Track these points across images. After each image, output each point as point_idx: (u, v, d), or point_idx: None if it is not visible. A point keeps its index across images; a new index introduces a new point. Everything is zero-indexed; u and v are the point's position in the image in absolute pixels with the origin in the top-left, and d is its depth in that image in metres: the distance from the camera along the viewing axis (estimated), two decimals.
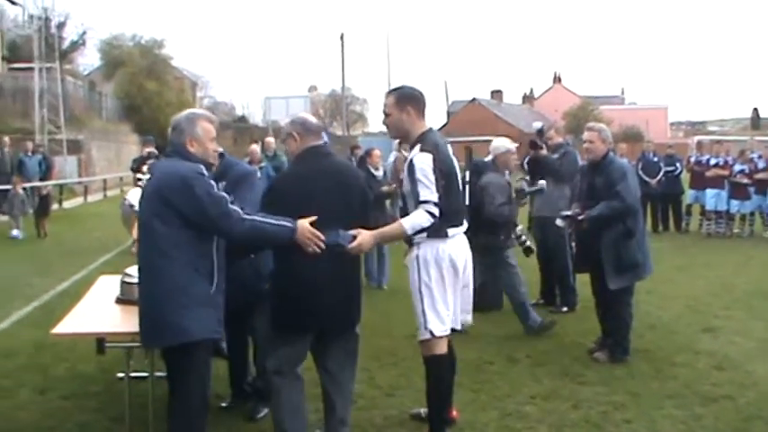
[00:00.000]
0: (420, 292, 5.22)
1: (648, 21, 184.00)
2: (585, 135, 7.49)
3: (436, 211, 4.97)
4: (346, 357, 5.26)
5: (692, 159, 18.64)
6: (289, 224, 4.53)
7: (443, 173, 5.09)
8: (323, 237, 4.59)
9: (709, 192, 17.53)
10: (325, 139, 5.37)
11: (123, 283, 5.78)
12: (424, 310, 5.22)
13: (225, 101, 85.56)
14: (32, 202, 19.97)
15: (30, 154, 22.38)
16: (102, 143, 38.84)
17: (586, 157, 7.64)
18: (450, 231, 5.18)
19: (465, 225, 5.39)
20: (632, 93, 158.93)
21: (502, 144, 8.84)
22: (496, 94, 77.67)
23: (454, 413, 5.73)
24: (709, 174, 17.56)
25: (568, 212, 7.59)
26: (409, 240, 5.21)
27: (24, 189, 20.53)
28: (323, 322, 4.98)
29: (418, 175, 5.00)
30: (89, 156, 36.00)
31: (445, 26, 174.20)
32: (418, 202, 5.00)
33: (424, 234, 5.10)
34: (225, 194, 4.45)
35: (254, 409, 6.00)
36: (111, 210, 25.66)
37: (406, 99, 5.26)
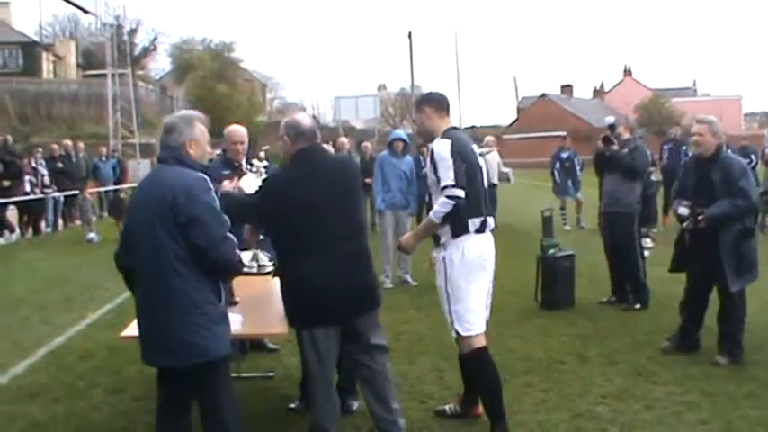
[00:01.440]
0: (446, 292, 5.38)
1: (720, 8, 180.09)
2: (695, 128, 7.16)
3: (457, 191, 5.14)
4: (372, 342, 5.11)
5: None
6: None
7: (462, 157, 5.27)
8: None
9: None
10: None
11: None
12: (450, 311, 5.39)
13: (295, 101, 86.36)
14: (106, 206, 20.40)
15: (104, 159, 22.91)
16: None
17: (694, 151, 7.35)
18: (470, 222, 5.30)
19: (490, 223, 5.50)
20: (705, 84, 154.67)
21: None
22: (566, 88, 76.77)
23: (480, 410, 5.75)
24: None
25: (689, 203, 7.19)
26: (437, 240, 5.38)
27: (99, 193, 21.03)
28: (332, 312, 4.88)
29: (437, 159, 5.25)
30: None
31: (514, 21, 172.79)
32: (440, 189, 5.21)
33: (449, 234, 5.30)
34: (227, 217, 4.33)
35: (345, 404, 5.78)
36: None
37: (421, 101, 5.66)
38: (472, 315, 5.35)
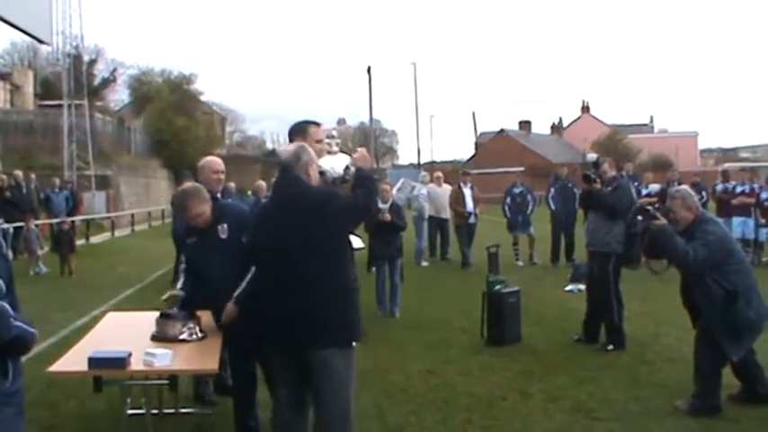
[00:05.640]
0: None
1: (677, 46, 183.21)
2: (668, 203, 6.86)
3: None
4: (321, 385, 4.83)
5: (718, 188, 18.33)
6: (33, 330, 3.38)
7: None
8: None
9: (736, 219, 17.07)
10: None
11: (158, 320, 5.77)
12: None
13: (255, 134, 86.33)
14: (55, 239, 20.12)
15: (56, 190, 22.60)
16: (130, 178, 39.18)
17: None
18: None
19: None
20: (662, 120, 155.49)
21: None
22: (525, 124, 77.53)
23: None
24: (735, 201, 17.29)
25: (661, 188, 6.92)
26: None
27: (51, 225, 20.74)
28: (277, 339, 4.95)
29: None
30: (117, 191, 36.31)
31: (473, 57, 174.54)
32: None
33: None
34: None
35: None
36: (139, 244, 25.80)
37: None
38: None
